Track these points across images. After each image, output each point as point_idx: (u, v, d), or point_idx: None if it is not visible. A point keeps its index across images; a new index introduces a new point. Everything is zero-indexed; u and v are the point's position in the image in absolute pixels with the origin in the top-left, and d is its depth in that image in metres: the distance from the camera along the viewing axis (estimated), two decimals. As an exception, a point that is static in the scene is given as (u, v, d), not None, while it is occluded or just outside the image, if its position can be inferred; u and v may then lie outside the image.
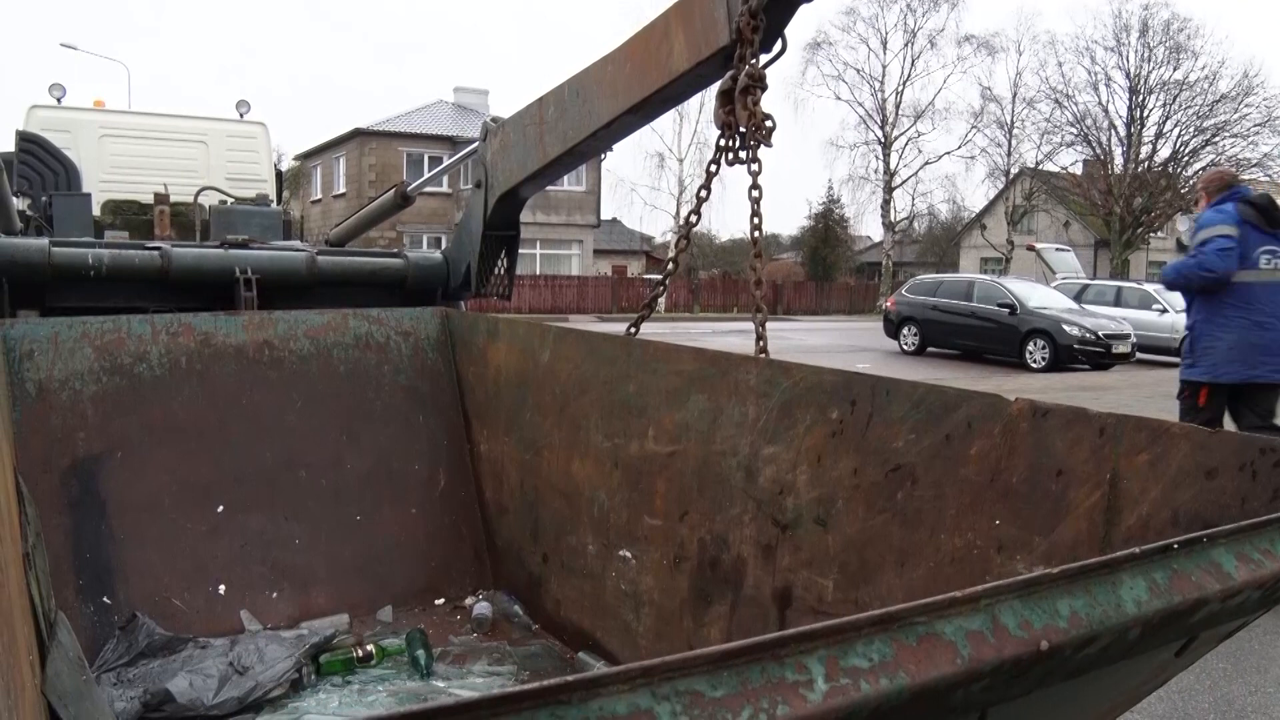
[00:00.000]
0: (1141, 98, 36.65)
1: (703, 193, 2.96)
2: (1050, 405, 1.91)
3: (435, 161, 34.45)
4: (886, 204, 41.49)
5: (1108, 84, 37.30)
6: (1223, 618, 1.04)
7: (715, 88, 2.84)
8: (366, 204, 5.23)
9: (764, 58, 2.70)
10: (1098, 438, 1.81)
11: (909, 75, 41.23)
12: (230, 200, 6.36)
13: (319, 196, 40.55)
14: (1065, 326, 16.67)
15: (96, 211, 6.16)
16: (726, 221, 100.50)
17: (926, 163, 43.71)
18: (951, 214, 45.96)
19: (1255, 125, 34.62)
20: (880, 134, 41.66)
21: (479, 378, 3.66)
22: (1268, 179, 34.64)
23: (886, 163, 41.51)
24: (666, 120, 39.53)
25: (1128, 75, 36.82)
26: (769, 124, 2.65)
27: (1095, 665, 0.92)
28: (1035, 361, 16.90)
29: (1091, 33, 49.02)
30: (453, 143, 35.22)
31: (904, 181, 42.15)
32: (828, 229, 47.99)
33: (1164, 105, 36.43)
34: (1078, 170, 39.25)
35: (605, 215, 41.01)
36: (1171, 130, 36.36)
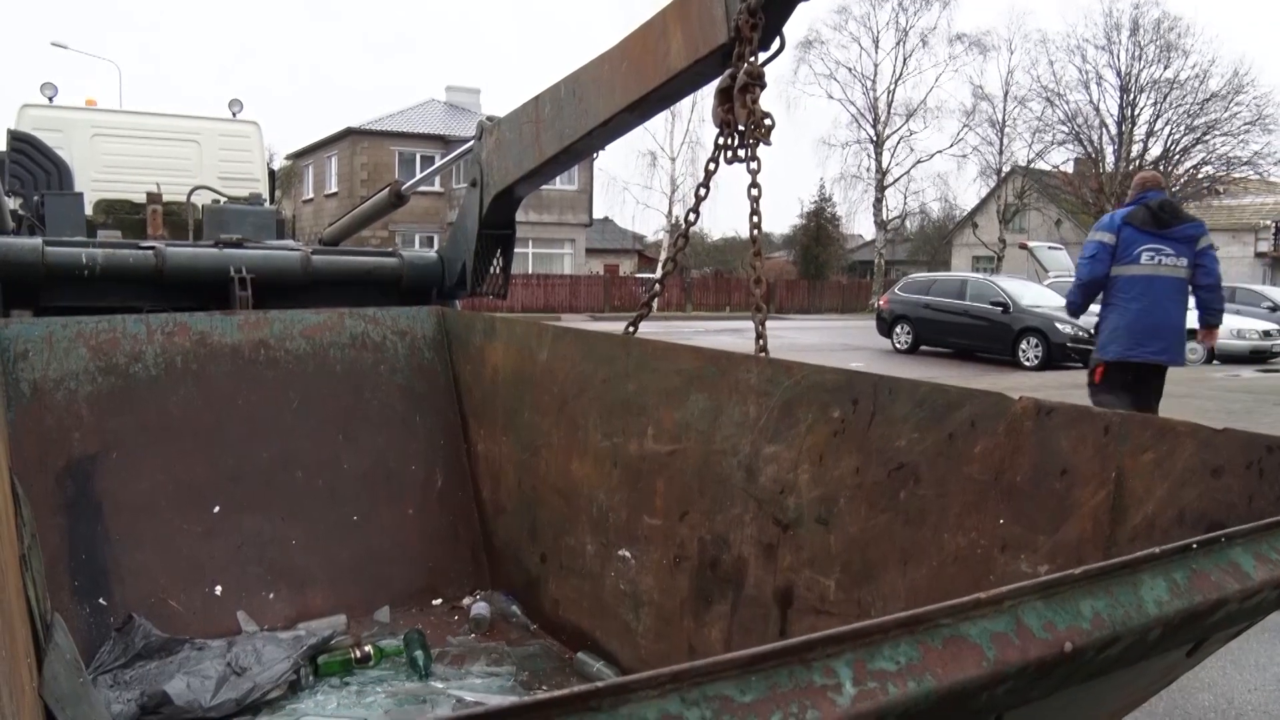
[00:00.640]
0: (1132, 96, 36.68)
1: (701, 191, 2.95)
2: (1055, 403, 1.90)
3: (428, 161, 34.37)
4: (878, 202, 41.53)
5: (1099, 82, 37.35)
6: (1240, 618, 1.03)
7: (711, 86, 2.84)
8: (359, 203, 5.21)
9: (762, 56, 2.69)
10: (1102, 436, 1.80)
11: (901, 74, 41.28)
12: (223, 199, 6.33)
13: (311, 196, 40.44)
14: (1058, 325, 16.66)
15: (89, 211, 6.12)
16: (719, 220, 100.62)
17: (918, 161, 43.88)
18: (943, 212, 46.08)
19: (1245, 124, 34.65)
20: (872, 132, 41.72)
21: (476, 377, 3.64)
22: (1259, 177, 34.78)
23: (878, 161, 41.56)
24: (659, 119, 39.49)
25: (1119, 74, 36.87)
26: (768, 122, 2.65)
27: (1115, 666, 0.91)
28: (1028, 360, 16.92)
29: (1082, 31, 49.37)
30: (445, 142, 35.15)
31: (896, 180, 42.26)
32: (820, 228, 48.02)
33: (1155, 104, 36.47)
34: (1069, 169, 39.31)
35: (597, 214, 40.98)
36: (1162, 129, 36.41)
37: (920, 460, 2.09)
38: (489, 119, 3.98)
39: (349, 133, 36.52)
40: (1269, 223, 36.09)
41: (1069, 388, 13.28)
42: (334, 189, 37.94)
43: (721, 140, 2.76)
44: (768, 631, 2.40)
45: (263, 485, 3.28)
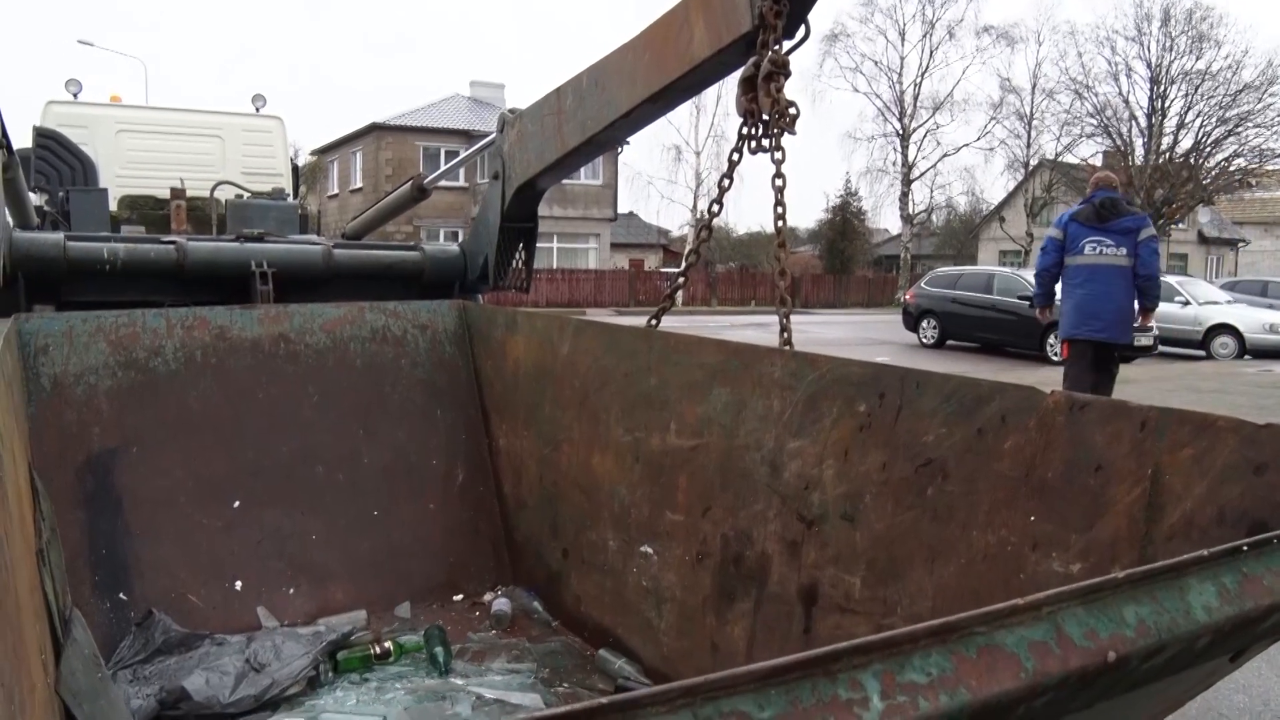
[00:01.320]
0: (1163, 88, 36.13)
1: (725, 182, 2.91)
2: (1088, 398, 1.84)
3: (452, 155, 34.34)
4: (904, 196, 41.20)
5: (1128, 74, 36.80)
6: (1293, 623, 0.98)
7: (735, 76, 2.79)
8: (383, 198, 5.20)
9: (787, 44, 2.64)
10: (1138, 432, 1.74)
11: (927, 67, 40.93)
12: (246, 194, 6.34)
13: (335, 191, 40.64)
14: (1086, 319, 16.46)
15: (113, 206, 6.15)
16: (744, 214, 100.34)
17: (945, 155, 43.55)
18: (970, 206, 45.67)
19: (1279, 115, 34.13)
20: (898, 126, 41.35)
21: (497, 371, 3.61)
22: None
23: (905, 155, 41.19)
24: (683, 113, 39.44)
25: (1149, 65, 36.31)
26: (793, 111, 2.60)
27: (1160, 676, 0.86)
28: (1056, 354, 16.70)
29: (1112, 22, 48.75)
30: (469, 136, 35.17)
31: (922, 174, 41.87)
32: (845, 222, 47.66)
33: (1186, 95, 35.88)
34: (1098, 162, 38.82)
35: (622, 209, 40.94)
36: (1193, 121, 35.80)
37: (949, 455, 2.03)
38: (511, 111, 3.95)
39: (374, 128, 36.66)
40: (1302, 215, 35.52)
41: (1098, 382, 13.12)
42: (359, 184, 38.11)
43: (745, 130, 2.71)
44: (791, 630, 2.35)
45: (283, 479, 3.26)
